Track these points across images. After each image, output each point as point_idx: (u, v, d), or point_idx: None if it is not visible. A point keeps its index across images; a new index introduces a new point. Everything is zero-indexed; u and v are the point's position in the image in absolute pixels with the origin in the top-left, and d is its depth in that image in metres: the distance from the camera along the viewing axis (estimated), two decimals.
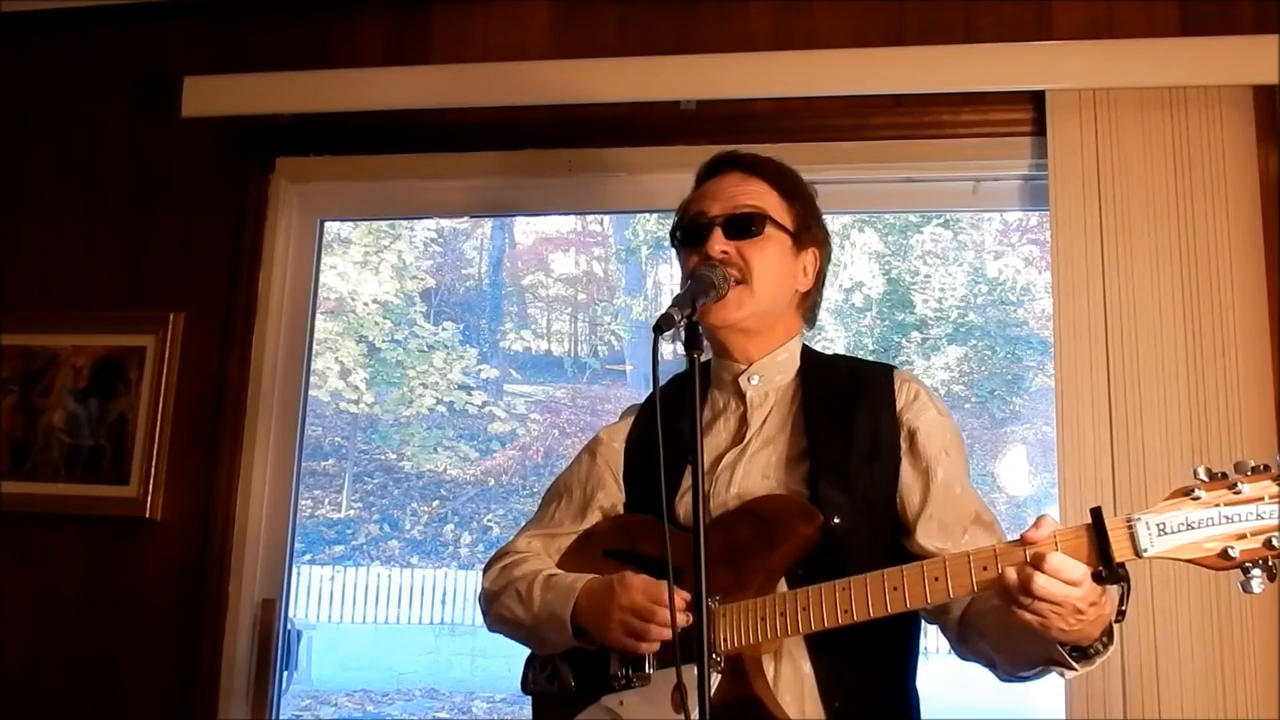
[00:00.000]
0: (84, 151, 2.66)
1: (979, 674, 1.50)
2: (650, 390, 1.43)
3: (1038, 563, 1.20)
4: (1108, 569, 1.20)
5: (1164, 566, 2.02)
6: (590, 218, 9.24)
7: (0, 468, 2.54)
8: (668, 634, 1.37)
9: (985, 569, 1.26)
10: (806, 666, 1.44)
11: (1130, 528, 1.19)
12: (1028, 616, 1.21)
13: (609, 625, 1.44)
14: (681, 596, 1.35)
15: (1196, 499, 1.18)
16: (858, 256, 8.66)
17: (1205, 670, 2.01)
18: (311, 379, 2.66)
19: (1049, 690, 1.93)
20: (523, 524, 1.73)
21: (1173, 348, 2.13)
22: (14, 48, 2.73)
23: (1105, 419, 2.12)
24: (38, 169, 2.67)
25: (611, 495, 1.66)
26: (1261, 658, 2.00)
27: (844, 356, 1.70)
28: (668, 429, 1.30)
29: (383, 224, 8.29)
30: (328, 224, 2.73)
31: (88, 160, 2.66)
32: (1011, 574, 1.22)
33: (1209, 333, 2.12)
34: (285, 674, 2.55)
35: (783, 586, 1.44)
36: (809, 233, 1.61)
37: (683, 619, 1.35)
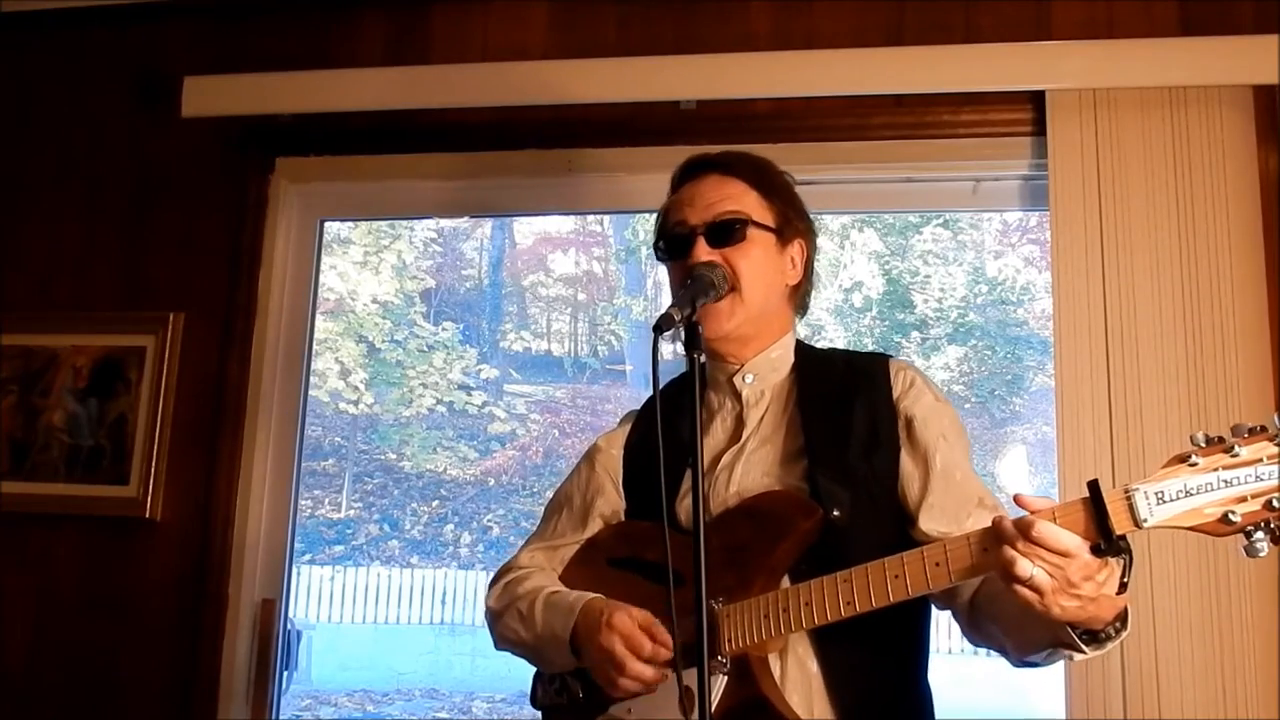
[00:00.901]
0: (84, 151, 2.66)
1: (980, 673, 1.49)
2: (649, 390, 1.42)
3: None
4: (1107, 542, 1.17)
5: (1164, 565, 2.03)
6: (590, 218, 9.23)
7: (0, 468, 2.54)
8: (637, 686, 1.39)
9: (985, 550, 1.25)
10: (814, 665, 1.43)
11: (1129, 498, 1.16)
12: (1025, 593, 1.19)
13: (590, 662, 1.46)
14: (664, 644, 1.37)
15: (1194, 465, 1.15)
16: (858, 256, 8.64)
17: (1205, 670, 2.01)
18: (311, 379, 2.66)
19: (1049, 690, 1.94)
20: (523, 525, 1.73)
21: (1173, 348, 2.12)
22: (14, 48, 2.74)
23: (1105, 419, 2.12)
24: (38, 169, 2.67)
25: (611, 502, 1.65)
26: (1261, 658, 2.00)
27: (839, 350, 1.68)
28: (667, 432, 1.29)
29: (383, 224, 8.30)
30: (328, 224, 2.73)
31: (88, 160, 2.66)
32: (1008, 524, 1.20)
33: (1209, 333, 2.12)
34: (285, 674, 2.55)
35: (787, 584, 1.42)
36: (791, 226, 1.59)
37: (654, 674, 1.38)
